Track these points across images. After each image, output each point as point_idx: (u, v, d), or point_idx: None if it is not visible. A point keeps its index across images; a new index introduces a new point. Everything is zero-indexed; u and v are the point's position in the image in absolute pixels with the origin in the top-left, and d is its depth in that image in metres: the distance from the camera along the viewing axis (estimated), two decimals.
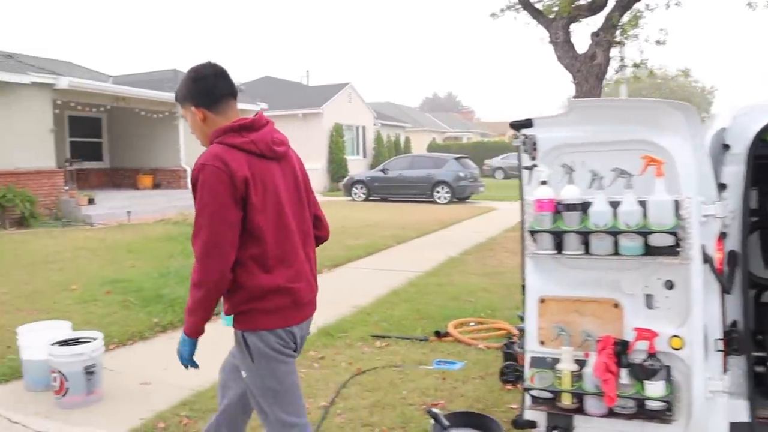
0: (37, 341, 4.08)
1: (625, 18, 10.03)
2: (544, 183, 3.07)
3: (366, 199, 20.88)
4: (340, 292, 7.25)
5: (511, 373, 4.22)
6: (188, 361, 2.40)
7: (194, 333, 2.33)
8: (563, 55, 10.12)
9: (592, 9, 10.08)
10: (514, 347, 4.36)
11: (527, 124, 3.22)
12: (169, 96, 16.58)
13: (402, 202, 19.85)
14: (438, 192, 19.74)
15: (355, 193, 21.09)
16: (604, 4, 10.07)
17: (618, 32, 10.13)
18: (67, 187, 14.21)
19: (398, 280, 7.77)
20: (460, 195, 19.82)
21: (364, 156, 29.56)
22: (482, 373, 4.53)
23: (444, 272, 8.20)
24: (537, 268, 3.26)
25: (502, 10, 11.24)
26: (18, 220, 12.71)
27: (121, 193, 15.92)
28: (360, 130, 29.30)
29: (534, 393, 3.11)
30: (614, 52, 10.22)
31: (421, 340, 5.27)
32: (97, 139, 18.49)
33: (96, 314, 5.90)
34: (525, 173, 3.25)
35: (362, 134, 29.51)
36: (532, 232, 3.13)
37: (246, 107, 20.16)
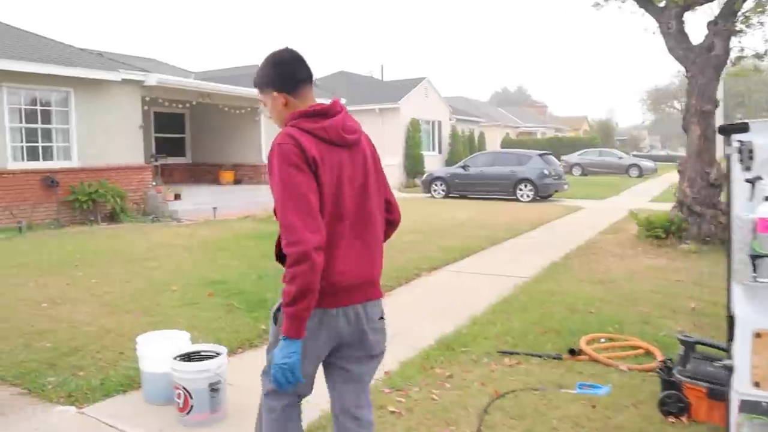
0: (158, 353, 3.84)
1: (747, 4, 9.17)
2: None
3: (445, 196, 20.43)
4: (447, 298, 6.86)
5: (674, 404, 3.76)
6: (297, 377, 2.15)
7: (300, 332, 2.13)
8: (676, 46, 9.37)
9: None
10: (674, 373, 3.86)
11: (742, 128, 2.72)
12: (252, 92, 16.58)
13: (483, 200, 19.29)
14: (521, 190, 19.08)
15: (435, 190, 20.66)
16: None
17: (739, 20, 9.29)
18: (154, 183, 14.36)
19: (505, 286, 7.30)
20: (543, 193, 19.11)
21: (440, 152, 29.07)
22: (633, 401, 4.03)
23: (551, 279, 7.67)
24: (752, 297, 2.74)
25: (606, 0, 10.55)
26: (109, 214, 12.91)
27: (204, 188, 16.02)
28: (436, 125, 28.81)
29: None
30: (733, 41, 9.38)
31: (553, 357, 4.80)
32: (180, 134, 18.74)
33: (201, 318, 5.69)
34: (738, 186, 2.74)
35: (438, 129, 29.01)
36: (754, 257, 2.61)
37: (322, 102, 20.05)
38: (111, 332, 5.28)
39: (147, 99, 14.21)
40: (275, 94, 2.32)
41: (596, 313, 6.00)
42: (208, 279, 7.23)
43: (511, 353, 4.88)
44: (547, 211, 16.13)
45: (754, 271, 2.69)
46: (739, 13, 9.18)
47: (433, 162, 27.52)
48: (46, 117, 12.65)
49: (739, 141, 2.71)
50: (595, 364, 4.68)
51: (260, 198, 16.08)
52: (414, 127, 25.71)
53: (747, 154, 2.68)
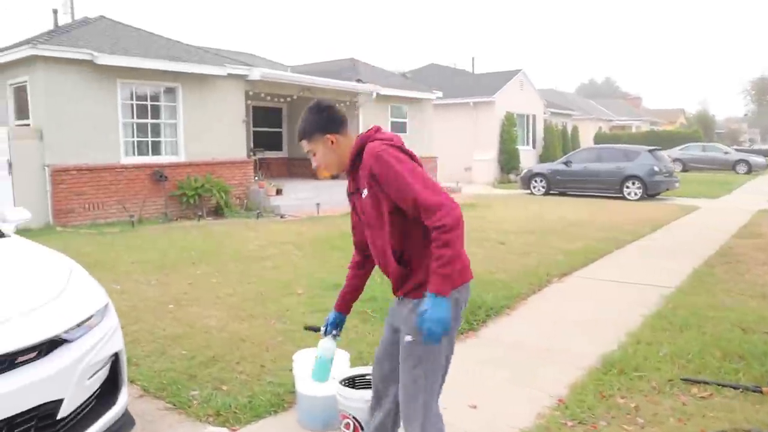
0: None
1: None
2: None
3: (546, 193, 19.58)
4: (589, 309, 6.27)
5: None
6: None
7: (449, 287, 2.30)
8: None
9: None
10: None
11: None
12: (352, 85, 16.33)
13: (587, 198, 18.34)
14: (628, 187, 18.00)
15: (534, 187, 19.84)
16: None
17: None
18: (256, 178, 14.32)
19: (650, 297, 6.62)
20: (653, 191, 17.98)
21: (534, 146, 28.08)
22: None
23: (704, 290, 6.90)
24: None
25: None
26: (213, 209, 12.92)
27: (303, 183, 15.89)
28: (530, 120, 27.83)
29: None
30: None
31: (752, 390, 4.13)
32: (278, 129, 18.73)
33: None
34: None
35: (532, 124, 28.02)
36: None
37: (421, 96, 19.61)
38: (246, 341, 5.00)
39: (250, 93, 14.16)
40: (328, 136, 2.53)
41: None
42: (331, 282, 6.88)
43: (699, 382, 4.25)
44: (661, 210, 15.09)
45: None
46: None
47: (528, 157, 26.58)
48: (156, 112, 12.78)
49: None
50: None
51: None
52: (509, 122, 24.88)
53: None
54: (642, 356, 4.73)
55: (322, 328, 2.95)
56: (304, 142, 2.60)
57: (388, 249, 2.49)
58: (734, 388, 4.16)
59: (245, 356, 4.65)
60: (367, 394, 3.20)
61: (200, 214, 12.45)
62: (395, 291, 2.61)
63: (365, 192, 2.49)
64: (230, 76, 13.30)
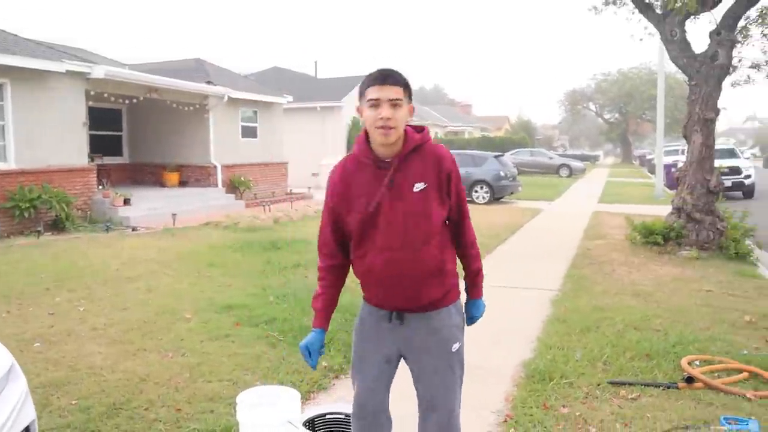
0: (267, 419, 3.05)
1: (751, 14, 9.19)
2: None
3: None
4: (493, 318, 6.29)
5: None
6: None
7: None
8: (679, 55, 9.26)
9: (711, 4, 9.20)
10: None
11: None
12: (203, 87, 15.43)
13: None
14: (477, 191, 18.85)
15: None
16: (721, 0, 9.23)
17: (739, 31, 9.28)
18: (100, 187, 13.01)
19: (539, 301, 6.87)
20: (499, 195, 18.99)
21: None
22: None
23: (583, 291, 7.29)
24: None
25: (606, 4, 10.36)
26: (52, 223, 11.52)
27: (152, 191, 14.71)
28: None
29: None
30: (734, 51, 9.36)
31: (668, 387, 4.36)
32: (117, 132, 17.21)
33: (246, 356, 4.85)
34: None
35: None
36: None
37: (272, 99, 19.08)
38: (147, 380, 4.37)
39: (91, 93, 12.78)
40: (411, 104, 2.41)
41: (663, 332, 5.65)
42: (220, 303, 6.34)
43: (624, 383, 4.41)
44: (510, 213, 15.95)
45: None
46: (740, 24, 9.17)
47: None
48: None
49: None
50: (717, 392, 4.29)
51: (213, 202, 15.01)
52: (356, 126, 25.03)
53: None
54: (561, 362, 4.82)
55: (311, 361, 2.55)
56: (398, 88, 2.29)
57: (434, 248, 2.38)
58: (656, 386, 4.37)
59: (153, 400, 4.05)
60: None
61: (38, 229, 11.00)
62: (419, 305, 2.42)
63: (420, 186, 2.33)
64: (69, 73, 11.91)
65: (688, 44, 9.31)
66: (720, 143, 31.14)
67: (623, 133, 58.96)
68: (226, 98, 16.07)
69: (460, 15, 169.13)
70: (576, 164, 34.89)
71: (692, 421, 3.83)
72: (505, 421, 3.86)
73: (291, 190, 20.30)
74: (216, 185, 16.31)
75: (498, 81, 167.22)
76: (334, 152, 24.61)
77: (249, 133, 18.40)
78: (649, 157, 39.65)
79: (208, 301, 6.46)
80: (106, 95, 13.51)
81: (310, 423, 3.06)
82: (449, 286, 2.47)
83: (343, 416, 3.09)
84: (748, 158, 29.21)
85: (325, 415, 3.11)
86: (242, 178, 17.29)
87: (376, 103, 2.28)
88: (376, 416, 2.56)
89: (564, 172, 33.60)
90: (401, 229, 2.34)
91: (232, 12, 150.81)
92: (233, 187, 16.98)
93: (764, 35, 9.59)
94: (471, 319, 2.69)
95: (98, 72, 12.24)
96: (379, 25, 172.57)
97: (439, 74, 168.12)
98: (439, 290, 2.43)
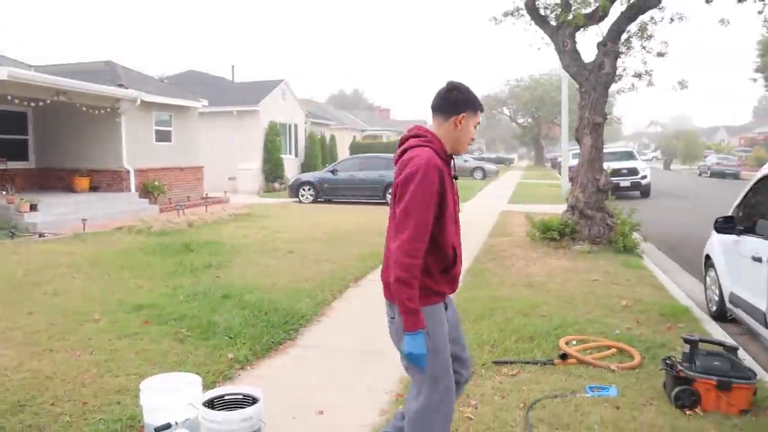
0: (172, 402, 3.28)
1: (632, 28, 10.04)
2: None
3: (314, 201, 20.14)
4: None
5: (688, 397, 4.08)
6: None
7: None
8: (571, 64, 10.00)
9: (597, 18, 9.99)
10: (684, 370, 4.09)
11: None
12: (115, 90, 15.17)
13: (354, 204, 19.28)
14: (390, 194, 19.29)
15: (303, 195, 20.27)
16: (607, 14, 10.02)
17: (622, 43, 10.12)
18: (4, 192, 12.61)
19: None
20: None
21: (296, 155, 28.62)
22: (644, 398, 4.25)
23: (484, 284, 7.80)
24: None
25: (505, 15, 11.02)
26: None
27: (60, 197, 14.31)
28: (293, 129, 28.32)
29: None
30: (618, 62, 10.20)
31: (544, 363, 4.86)
32: (22, 136, 16.61)
33: (154, 352, 5.02)
34: None
35: (295, 133, 28.54)
36: None
37: (187, 104, 18.94)
38: (53, 378, 4.47)
39: None
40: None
41: (548, 317, 6.18)
42: (131, 304, 6.43)
43: (507, 362, 4.88)
44: None
45: None
46: (623, 37, 10.00)
47: (291, 166, 27.06)
48: None
49: None
50: (587, 366, 4.82)
51: (126, 207, 14.80)
52: (273, 131, 25.06)
53: None
54: None
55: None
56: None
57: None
58: (534, 363, 4.87)
59: (59, 396, 4.18)
60: (241, 414, 3.14)
61: None
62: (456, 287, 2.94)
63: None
64: None
65: (578, 54, 10.06)
66: (621, 146, 33.13)
67: (536, 136, 61.35)
68: (138, 102, 15.85)
69: (379, 20, 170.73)
70: (490, 167, 36.14)
71: (561, 391, 4.32)
72: (397, 399, 4.23)
73: (207, 195, 20.17)
74: (129, 190, 16.05)
75: (417, 85, 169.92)
76: (251, 156, 24.60)
77: (163, 137, 18.18)
78: (559, 159, 41.49)
79: (118, 302, 6.54)
80: (9, 97, 13.10)
81: (209, 403, 3.30)
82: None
83: (241, 396, 3.35)
84: (650, 160, 31.18)
85: (224, 396, 3.37)
86: (156, 183, 17.07)
87: (476, 125, 2.84)
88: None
89: (478, 174, 34.76)
90: (457, 216, 2.88)
91: (144, 14, 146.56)
92: (147, 191, 16.75)
93: (644, 47, 10.49)
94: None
95: (1, 73, 11.88)
96: (298, 29, 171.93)
97: (359, 78, 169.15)
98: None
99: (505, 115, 62.39)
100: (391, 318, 2.75)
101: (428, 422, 2.72)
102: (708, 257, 7.20)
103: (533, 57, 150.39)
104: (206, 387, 4.39)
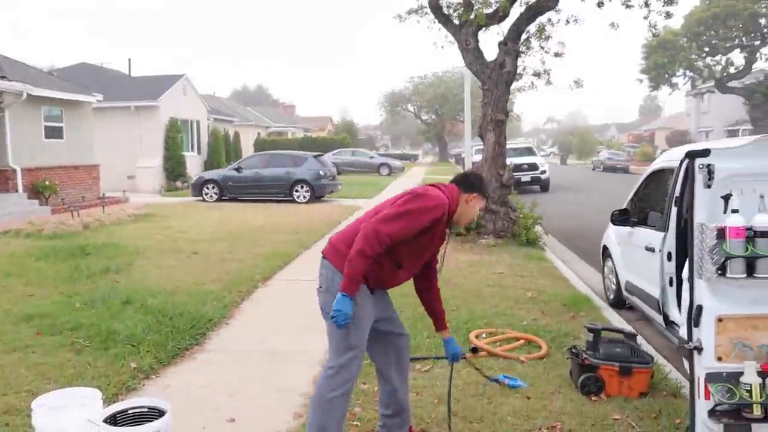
0: (66, 421, 3.03)
1: (531, 29, 10.39)
2: (735, 211, 3.11)
3: (218, 200, 19.57)
4: (307, 309, 6.59)
5: (593, 384, 4.27)
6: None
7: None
8: (474, 62, 10.22)
9: (498, 18, 10.26)
10: (588, 357, 4.26)
11: (704, 153, 3.25)
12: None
13: (260, 203, 18.90)
14: (297, 191, 19.11)
15: (207, 193, 19.65)
16: (508, 15, 10.31)
17: (522, 43, 10.46)
18: None
19: None
20: (320, 194, 19.39)
21: (199, 152, 27.75)
22: (553, 387, 4.43)
23: None
24: (713, 290, 3.19)
25: (409, 13, 11.12)
26: None
27: None
28: (195, 125, 27.41)
29: (720, 407, 3.13)
30: (519, 61, 10.53)
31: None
32: None
33: (49, 365, 4.68)
34: (703, 198, 3.23)
35: (197, 129, 27.64)
36: (728, 258, 3.08)
37: (80, 98, 17.96)
38: None
39: None
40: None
41: (457, 311, 6.28)
42: (19, 314, 5.98)
43: (419, 359, 4.89)
44: (330, 212, 16.39)
45: (723, 269, 3.08)
46: (523, 37, 10.33)
47: (194, 164, 26.21)
48: None
49: (703, 164, 3.21)
50: (497, 358, 4.94)
51: (13, 208, 13.86)
52: (174, 127, 24.14)
53: (708, 175, 3.17)
54: None
55: (449, 360, 3.71)
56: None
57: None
58: (446, 358, 4.88)
59: None
60: (151, 428, 2.97)
61: None
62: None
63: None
64: None
65: (480, 53, 10.30)
66: (521, 142, 34.37)
67: (440, 133, 62.53)
68: (24, 95, 14.83)
69: (283, 14, 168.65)
70: (395, 163, 36.52)
71: (473, 385, 4.39)
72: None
73: (104, 195, 19.16)
74: (16, 190, 14.99)
75: (322, 82, 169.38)
76: (151, 153, 23.62)
77: (54, 133, 17.11)
78: (463, 155, 42.53)
79: (4, 312, 6.06)
80: None
81: (111, 419, 3.10)
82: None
83: (146, 409, 3.17)
84: (548, 155, 32.60)
85: (127, 410, 3.17)
86: (47, 182, 16.05)
87: (481, 208, 3.49)
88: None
89: (384, 170, 35.05)
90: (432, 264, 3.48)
91: (26, 2, 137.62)
92: (37, 192, 15.71)
93: (542, 48, 10.90)
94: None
95: None
96: (199, 23, 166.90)
97: (263, 74, 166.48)
98: None
99: (409, 111, 63.21)
100: (319, 288, 3.25)
101: (333, 385, 3.13)
102: (605, 248, 7.55)
103: (437, 55, 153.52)
104: (108, 401, 4.15)
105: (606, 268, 7.56)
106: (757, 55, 34.34)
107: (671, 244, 5.44)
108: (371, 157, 36.77)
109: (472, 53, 10.20)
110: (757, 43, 34.27)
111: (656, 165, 6.42)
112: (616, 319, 6.35)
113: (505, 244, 10.34)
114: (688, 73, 35.96)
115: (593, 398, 4.18)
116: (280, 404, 4.18)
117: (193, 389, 4.45)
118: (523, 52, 10.74)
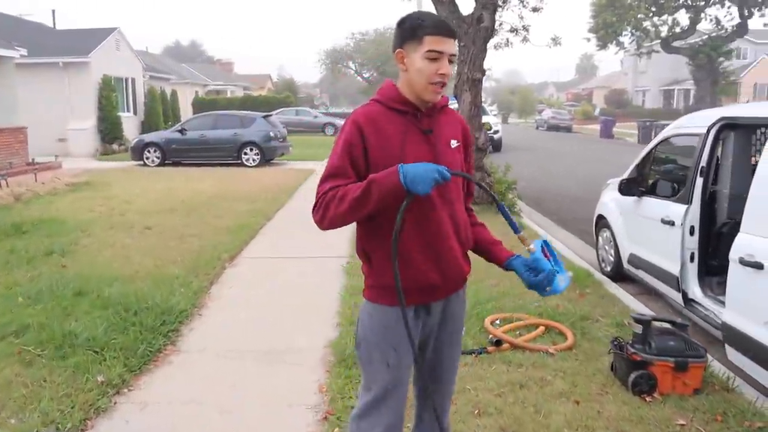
0: None
1: None
2: None
3: (161, 164, 18.33)
4: (287, 295, 5.92)
5: (646, 383, 3.77)
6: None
7: None
8: (449, 16, 9.48)
9: None
10: (639, 353, 3.77)
11: None
12: None
13: (206, 167, 17.79)
14: (246, 154, 18.06)
15: (148, 158, 18.36)
16: None
17: None
18: None
19: (332, 270, 6.67)
20: (270, 157, 18.43)
21: (135, 113, 26.05)
22: (598, 387, 3.90)
23: None
24: None
25: None
26: None
27: None
28: (130, 83, 25.62)
29: None
30: (496, 15, 9.84)
31: (479, 353, 4.35)
32: None
33: None
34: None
35: (132, 88, 25.87)
36: None
37: None
38: None
39: None
40: None
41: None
42: None
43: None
44: (284, 176, 15.50)
45: None
46: None
47: (131, 125, 24.57)
48: None
49: None
50: (522, 351, 4.42)
51: None
52: (108, 86, 22.41)
53: None
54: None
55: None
56: (454, 43, 2.12)
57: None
58: (469, 353, 4.35)
59: None
60: None
61: None
62: (459, 284, 2.38)
63: (455, 144, 2.22)
64: None
65: (456, 6, 9.56)
66: None
67: None
68: None
69: None
70: (340, 122, 35.44)
71: (509, 387, 3.83)
72: (326, 418, 3.49)
73: (34, 160, 17.58)
74: None
75: (258, 38, 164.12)
76: (84, 114, 21.92)
77: None
78: None
79: None
80: None
81: None
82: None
83: None
84: (495, 115, 32.34)
85: None
86: None
87: (437, 57, 2.04)
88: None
89: (329, 130, 34.08)
90: (446, 218, 2.18)
91: None
92: None
93: (521, 1, 10.22)
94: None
95: None
96: None
97: (195, 29, 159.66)
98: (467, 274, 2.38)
99: (350, 69, 61.77)
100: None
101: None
102: (601, 217, 7.10)
103: (381, 8, 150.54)
104: (75, 429, 3.38)
105: (601, 239, 7.12)
106: (702, 15, 34.72)
107: (694, 218, 5.01)
108: (315, 117, 35.65)
109: (447, 6, 9.44)
110: (702, 3, 34.61)
111: (669, 131, 5.92)
112: (621, 294, 5.94)
113: (482, 212, 9.71)
114: (634, 32, 36.06)
115: (647, 399, 3.69)
116: (288, 418, 3.50)
117: (177, 407, 3.70)
118: (501, 6, 10.05)
